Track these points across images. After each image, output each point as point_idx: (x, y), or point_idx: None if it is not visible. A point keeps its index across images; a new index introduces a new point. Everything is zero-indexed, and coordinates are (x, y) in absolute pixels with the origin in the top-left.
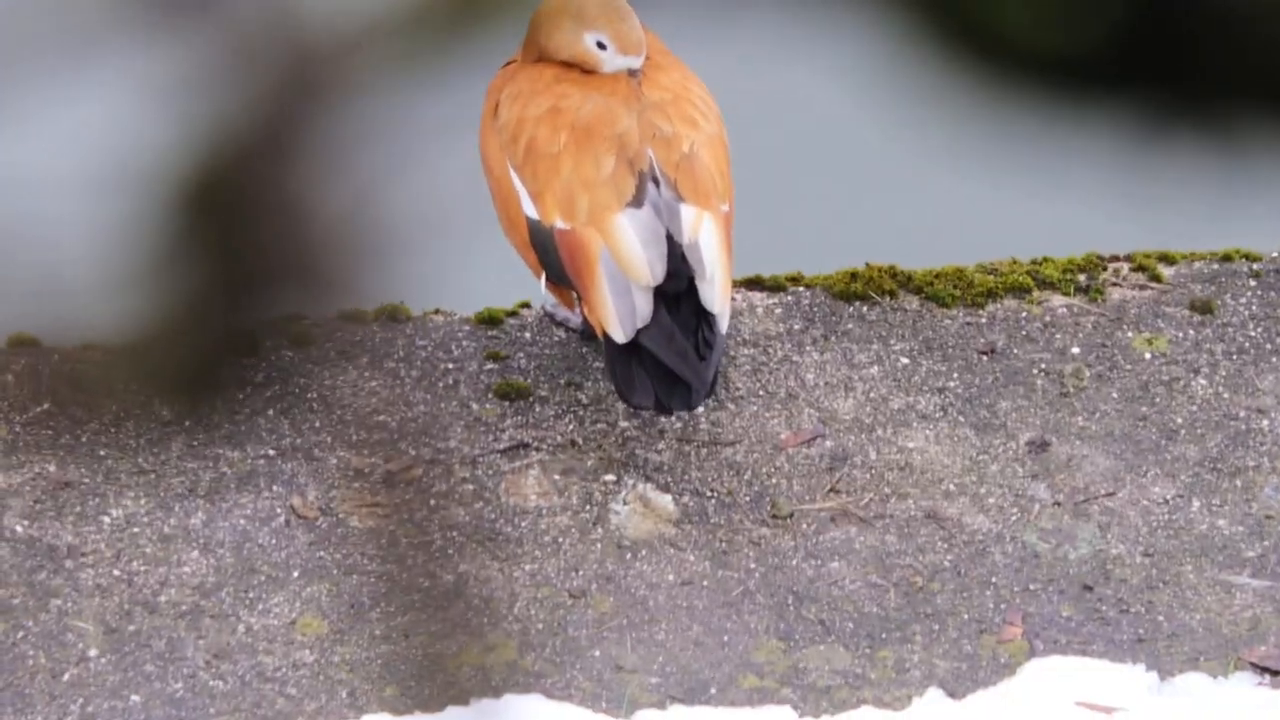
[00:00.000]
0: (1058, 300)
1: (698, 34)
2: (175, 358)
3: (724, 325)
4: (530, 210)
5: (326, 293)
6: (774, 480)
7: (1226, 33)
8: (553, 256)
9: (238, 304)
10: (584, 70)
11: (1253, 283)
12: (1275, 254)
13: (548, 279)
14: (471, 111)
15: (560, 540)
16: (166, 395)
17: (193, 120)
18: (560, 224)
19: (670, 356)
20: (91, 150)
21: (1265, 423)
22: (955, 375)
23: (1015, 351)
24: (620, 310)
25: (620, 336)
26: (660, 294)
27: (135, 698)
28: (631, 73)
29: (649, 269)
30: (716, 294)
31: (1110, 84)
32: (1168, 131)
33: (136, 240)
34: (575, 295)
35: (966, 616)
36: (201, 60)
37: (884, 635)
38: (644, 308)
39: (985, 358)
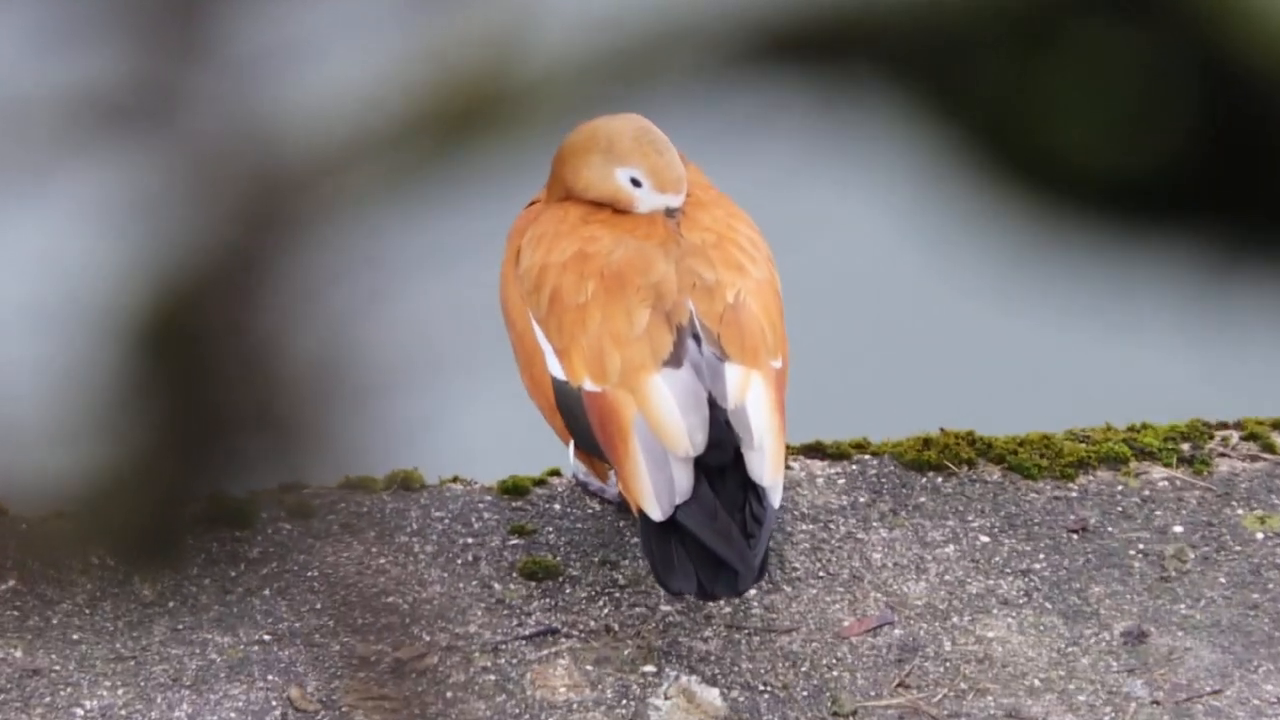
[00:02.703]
0: (1158, 472)
1: (721, 153)
2: (131, 516)
3: (776, 499)
4: (555, 369)
5: (297, 444)
6: (835, 673)
7: None
8: (581, 422)
9: (198, 456)
10: (616, 210)
11: None
12: None
13: (576, 446)
14: (463, 238)
15: None
16: (120, 556)
17: (150, 249)
18: (589, 385)
19: (712, 537)
20: (39, 280)
21: None
22: (1041, 556)
23: (1109, 530)
24: (656, 484)
25: (656, 514)
26: (702, 465)
27: None
28: (670, 212)
29: (688, 438)
30: (767, 464)
31: (1176, 211)
32: (1238, 265)
33: (88, 383)
34: (608, 465)
35: None
36: (161, 182)
37: None
38: (683, 481)
39: (1075, 536)
